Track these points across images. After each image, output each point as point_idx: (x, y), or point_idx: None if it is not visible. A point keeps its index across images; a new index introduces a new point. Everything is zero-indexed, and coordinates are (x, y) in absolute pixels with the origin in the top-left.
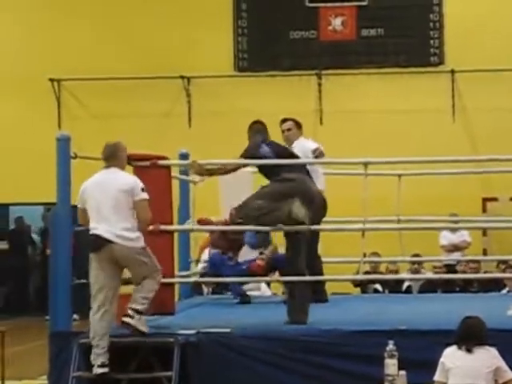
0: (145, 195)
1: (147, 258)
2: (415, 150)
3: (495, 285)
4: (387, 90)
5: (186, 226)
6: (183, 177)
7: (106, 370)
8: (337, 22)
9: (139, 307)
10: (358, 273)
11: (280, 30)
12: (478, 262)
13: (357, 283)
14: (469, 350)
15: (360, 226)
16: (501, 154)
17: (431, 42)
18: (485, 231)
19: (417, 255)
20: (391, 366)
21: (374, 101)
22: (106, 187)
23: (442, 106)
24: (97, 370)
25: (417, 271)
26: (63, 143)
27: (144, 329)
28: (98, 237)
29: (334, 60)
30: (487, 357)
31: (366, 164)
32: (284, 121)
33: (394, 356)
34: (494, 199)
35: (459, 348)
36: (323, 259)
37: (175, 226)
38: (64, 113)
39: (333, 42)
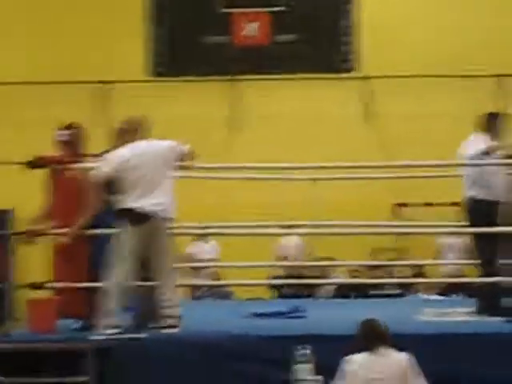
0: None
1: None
2: (329, 155)
3: (409, 289)
4: (301, 96)
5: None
6: None
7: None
8: (250, 28)
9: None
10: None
11: (193, 35)
12: (392, 266)
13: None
14: (377, 353)
15: (275, 230)
16: (412, 159)
17: (344, 47)
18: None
19: (329, 259)
20: (304, 370)
21: (288, 106)
22: (148, 156)
23: (354, 112)
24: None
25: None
26: None
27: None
28: (140, 212)
29: (248, 65)
30: (398, 359)
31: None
32: None
33: (307, 361)
34: (405, 205)
35: (370, 352)
36: (236, 263)
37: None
38: None
39: (247, 47)
